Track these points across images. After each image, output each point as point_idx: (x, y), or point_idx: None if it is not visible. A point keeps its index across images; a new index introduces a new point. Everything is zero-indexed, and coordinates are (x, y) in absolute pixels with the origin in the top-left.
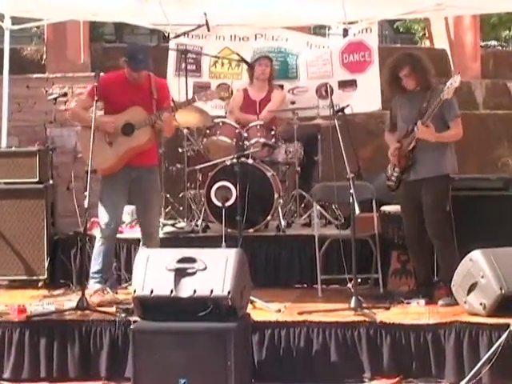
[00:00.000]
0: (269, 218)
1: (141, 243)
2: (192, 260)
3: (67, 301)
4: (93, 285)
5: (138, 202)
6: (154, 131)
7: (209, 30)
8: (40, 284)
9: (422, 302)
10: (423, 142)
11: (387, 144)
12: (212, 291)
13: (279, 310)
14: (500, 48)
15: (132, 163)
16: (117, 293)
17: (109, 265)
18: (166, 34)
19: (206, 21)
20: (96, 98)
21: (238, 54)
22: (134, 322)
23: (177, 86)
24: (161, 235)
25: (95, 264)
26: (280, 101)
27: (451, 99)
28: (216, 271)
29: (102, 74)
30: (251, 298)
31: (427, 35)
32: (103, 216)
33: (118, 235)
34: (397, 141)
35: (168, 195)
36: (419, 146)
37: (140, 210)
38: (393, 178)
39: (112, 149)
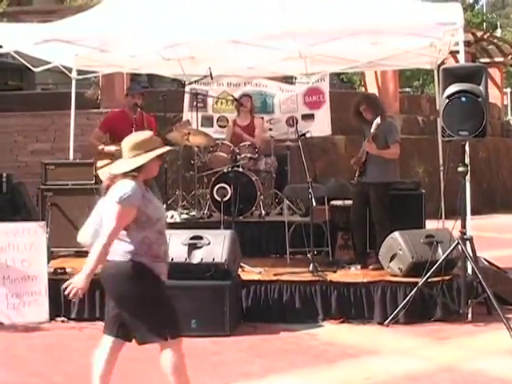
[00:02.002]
0: (253, 208)
1: None
2: (200, 237)
3: None
4: None
5: None
6: None
7: (212, 79)
8: None
9: (359, 267)
10: (370, 157)
11: (335, 158)
12: (214, 259)
13: (260, 272)
14: (412, 93)
15: None
16: None
17: None
18: (183, 82)
19: (210, 73)
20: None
21: (232, 96)
22: None
23: (190, 117)
24: (178, 220)
25: None
26: (261, 126)
27: (391, 128)
28: (216, 245)
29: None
30: (241, 263)
31: (363, 83)
32: None
33: None
34: (359, 156)
35: (184, 193)
36: (368, 160)
37: None
38: (355, 178)
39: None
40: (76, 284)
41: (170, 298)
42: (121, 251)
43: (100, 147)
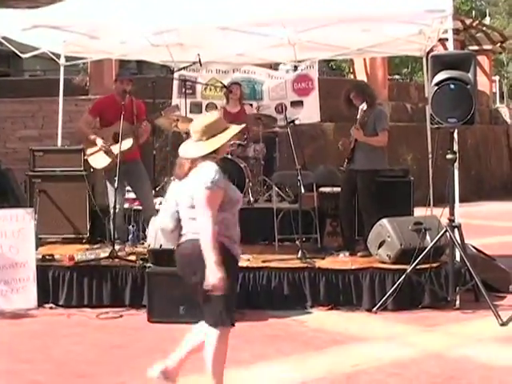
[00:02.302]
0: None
1: (142, 212)
2: None
3: (103, 252)
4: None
5: (134, 184)
6: (135, 138)
7: (201, 65)
8: (84, 240)
9: (347, 253)
10: (359, 144)
11: (324, 145)
12: None
13: (248, 259)
14: (401, 80)
15: (122, 160)
16: (136, 247)
17: (122, 231)
18: (172, 68)
19: (199, 59)
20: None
21: (221, 82)
22: (149, 267)
23: (179, 104)
24: None
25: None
26: (249, 109)
27: (381, 115)
28: None
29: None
30: None
31: (351, 71)
32: (111, 199)
33: (137, 207)
34: (349, 142)
35: (172, 179)
36: (357, 147)
37: (137, 189)
38: (344, 165)
39: (107, 154)
40: (214, 280)
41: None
42: (197, 231)
43: (92, 137)
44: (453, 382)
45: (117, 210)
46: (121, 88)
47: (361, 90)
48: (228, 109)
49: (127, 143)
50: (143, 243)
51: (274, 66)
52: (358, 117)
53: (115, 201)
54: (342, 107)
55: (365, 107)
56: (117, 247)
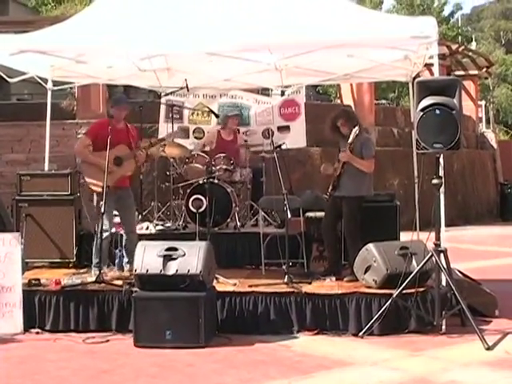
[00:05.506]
0: (228, 220)
1: (124, 238)
2: (175, 249)
3: (89, 277)
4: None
5: (123, 211)
6: (135, 162)
7: (188, 91)
8: (70, 265)
9: (333, 278)
10: (346, 171)
11: (311, 170)
12: (189, 270)
13: (235, 284)
14: (388, 105)
15: (117, 185)
16: (123, 271)
17: (105, 257)
18: (159, 93)
19: (187, 84)
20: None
21: (208, 107)
22: (135, 291)
23: (166, 129)
24: (153, 231)
25: (96, 257)
26: (241, 138)
27: (368, 143)
28: (192, 257)
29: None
30: (216, 275)
31: (338, 96)
32: (104, 223)
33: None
34: (334, 169)
35: (159, 204)
36: (344, 173)
37: (124, 216)
38: (328, 191)
39: (108, 176)
40: None
41: None
42: None
43: (93, 159)
44: None
45: (107, 234)
46: (120, 115)
47: (349, 117)
48: (223, 135)
49: (130, 166)
50: (130, 268)
51: (262, 91)
52: (350, 140)
53: (102, 225)
54: (327, 133)
55: (358, 130)
56: (103, 272)
